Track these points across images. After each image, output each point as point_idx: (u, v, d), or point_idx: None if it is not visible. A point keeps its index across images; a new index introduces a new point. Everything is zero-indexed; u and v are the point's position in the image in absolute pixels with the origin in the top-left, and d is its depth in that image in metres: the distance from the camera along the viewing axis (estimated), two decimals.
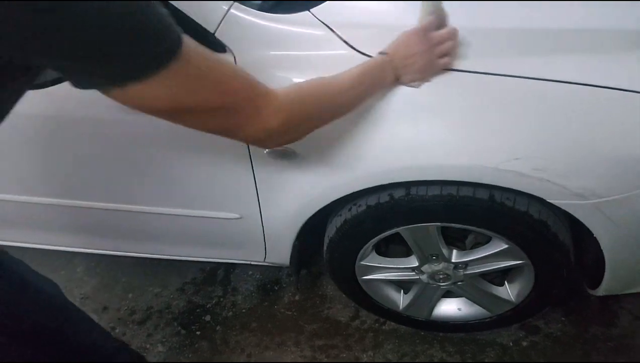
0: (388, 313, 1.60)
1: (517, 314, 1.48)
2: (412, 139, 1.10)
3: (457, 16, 1.07)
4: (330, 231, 1.37)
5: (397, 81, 1.01)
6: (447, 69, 1.04)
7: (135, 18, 0.58)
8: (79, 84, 0.63)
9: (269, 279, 1.83)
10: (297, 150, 1.16)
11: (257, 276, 1.85)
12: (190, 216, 1.40)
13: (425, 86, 1.06)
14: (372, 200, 1.24)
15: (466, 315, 1.54)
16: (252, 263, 1.57)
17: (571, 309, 1.63)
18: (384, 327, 1.65)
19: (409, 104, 1.08)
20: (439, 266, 1.39)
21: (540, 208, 1.17)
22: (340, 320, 1.69)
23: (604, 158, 1.04)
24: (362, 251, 1.38)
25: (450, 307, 1.56)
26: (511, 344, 1.57)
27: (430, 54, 0.98)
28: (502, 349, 1.56)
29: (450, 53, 1.01)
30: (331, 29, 1.09)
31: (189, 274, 1.89)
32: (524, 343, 1.57)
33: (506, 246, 1.26)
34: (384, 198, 1.22)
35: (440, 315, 1.56)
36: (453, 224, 1.25)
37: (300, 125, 0.84)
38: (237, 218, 1.38)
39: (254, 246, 1.48)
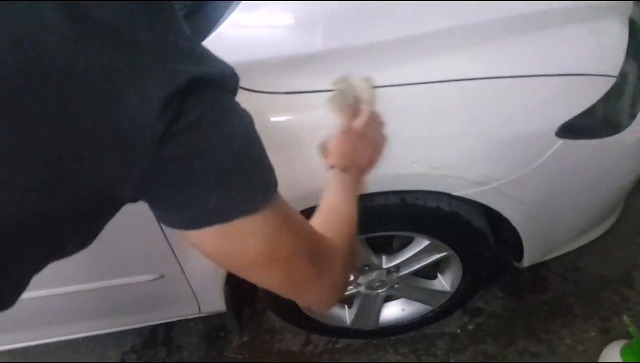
0: (337, 331, 1.59)
1: (456, 301, 1.52)
2: (320, 163, 1.09)
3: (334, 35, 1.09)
4: None
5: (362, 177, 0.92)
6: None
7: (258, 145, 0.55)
8: (166, 219, 0.56)
9: (212, 327, 1.76)
10: None
11: (200, 326, 1.77)
12: (113, 285, 1.31)
13: (322, 110, 1.06)
14: None
15: (410, 314, 1.56)
16: (190, 317, 1.50)
17: (506, 284, 1.70)
18: (337, 346, 1.64)
19: (309, 130, 1.08)
20: (373, 275, 1.40)
21: (450, 200, 1.20)
22: (293, 349, 1.65)
23: (494, 143, 1.10)
24: None
25: (394, 310, 1.57)
26: (459, 331, 1.61)
27: (367, 141, 0.91)
28: (452, 337, 1.60)
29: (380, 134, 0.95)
30: None
31: (127, 342, 1.77)
32: (470, 327, 1.61)
33: (428, 242, 1.29)
34: None
35: (387, 319, 1.57)
36: (375, 234, 1.26)
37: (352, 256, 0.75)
38: (159, 278, 1.31)
39: (185, 301, 1.41)
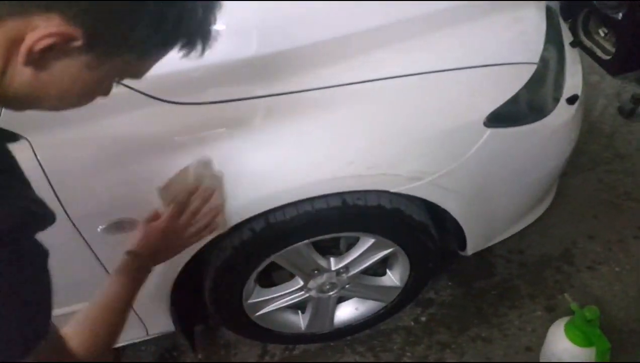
0: (293, 338, 1.55)
1: (407, 295, 1.51)
2: (258, 171, 1.05)
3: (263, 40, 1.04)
4: (208, 283, 1.27)
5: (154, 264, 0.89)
6: None
7: None
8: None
9: (164, 348, 1.67)
10: (133, 216, 1.05)
11: (152, 349, 1.68)
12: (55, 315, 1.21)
13: (255, 118, 1.02)
14: (235, 240, 1.17)
15: (364, 312, 1.53)
16: (139, 340, 1.42)
17: (454, 272, 1.70)
18: (294, 352, 1.59)
19: (245, 140, 1.03)
20: (323, 279, 1.36)
21: (391, 197, 1.18)
22: (250, 362, 1.59)
23: (425, 139, 1.09)
24: (244, 291, 1.31)
25: (347, 310, 1.54)
26: (412, 323, 1.60)
27: (178, 234, 0.89)
28: (406, 331, 1.59)
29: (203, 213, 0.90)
30: (129, 87, 0.99)
31: None
32: (423, 319, 1.61)
33: (373, 240, 1.27)
34: (247, 234, 1.16)
35: (342, 320, 1.54)
36: (320, 237, 1.22)
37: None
38: None
39: (130, 325, 1.31)
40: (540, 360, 1.43)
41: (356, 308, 1.54)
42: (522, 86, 1.13)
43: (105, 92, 0.56)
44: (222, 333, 1.68)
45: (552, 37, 1.27)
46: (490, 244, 1.47)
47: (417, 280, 1.45)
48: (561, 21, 1.40)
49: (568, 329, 1.27)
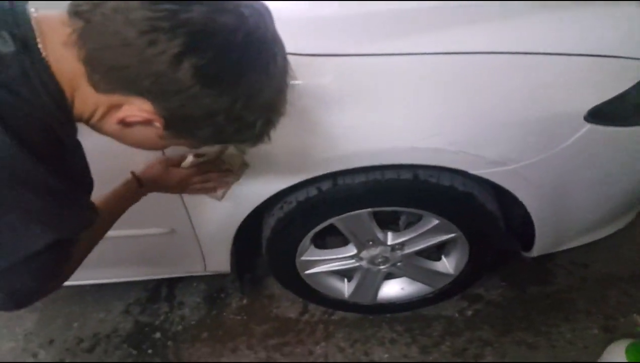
0: (335, 303, 1.52)
1: (457, 285, 1.43)
2: (331, 131, 1.01)
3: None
4: (266, 232, 1.26)
5: (146, 191, 1.01)
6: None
7: None
8: None
9: (214, 288, 1.70)
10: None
11: (202, 286, 1.72)
12: (123, 236, 1.25)
13: (335, 76, 0.97)
14: (301, 196, 1.15)
15: (410, 294, 1.48)
16: (194, 274, 1.45)
17: (509, 273, 1.60)
18: (333, 317, 1.57)
19: (321, 97, 0.99)
20: (376, 251, 1.32)
21: (465, 180, 1.11)
22: (290, 316, 1.59)
23: (514, 123, 1.00)
24: (300, 247, 1.29)
25: (393, 288, 1.49)
26: (456, 315, 1.53)
27: (178, 182, 1.02)
28: (448, 321, 1.52)
29: (212, 180, 1.04)
30: None
31: (131, 295, 1.73)
32: (468, 313, 1.53)
33: (437, 221, 1.20)
34: (312, 191, 1.13)
35: (385, 297, 1.50)
36: (383, 208, 1.18)
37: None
38: (169, 232, 1.25)
39: (192, 258, 1.35)
40: None
41: (402, 288, 1.49)
42: (634, 84, 1.01)
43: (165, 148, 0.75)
44: (268, 284, 1.68)
45: None
46: (557, 249, 1.36)
47: (471, 272, 1.37)
48: None
49: (630, 352, 1.15)
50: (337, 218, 1.19)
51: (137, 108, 0.59)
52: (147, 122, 0.61)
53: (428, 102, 0.98)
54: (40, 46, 0.56)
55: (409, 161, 1.04)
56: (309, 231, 1.23)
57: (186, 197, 1.14)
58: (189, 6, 0.54)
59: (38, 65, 0.56)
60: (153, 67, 0.55)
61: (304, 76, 0.98)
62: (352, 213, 1.17)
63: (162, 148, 0.70)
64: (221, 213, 1.18)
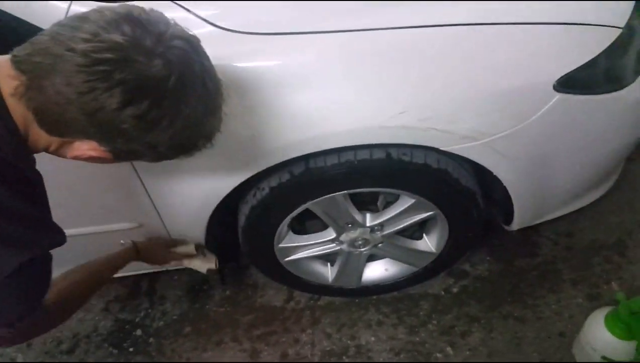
0: (320, 288, 1.56)
1: (441, 263, 1.47)
2: (299, 113, 1.02)
3: None
4: (241, 221, 1.28)
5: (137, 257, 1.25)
6: None
7: None
8: None
9: (196, 280, 1.73)
10: None
11: (184, 279, 1.74)
12: (92, 232, 1.27)
13: (301, 56, 0.99)
14: (273, 181, 1.17)
15: (394, 274, 1.52)
16: (171, 268, 1.47)
17: (494, 247, 1.65)
18: (319, 303, 1.61)
19: (288, 79, 1.00)
20: (356, 233, 1.35)
21: (439, 157, 1.14)
22: (275, 305, 1.63)
23: (486, 95, 1.02)
24: (277, 234, 1.31)
25: (377, 269, 1.53)
26: (443, 293, 1.58)
27: (162, 262, 1.34)
28: (435, 299, 1.56)
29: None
30: (185, 8, 0.98)
31: (111, 292, 1.75)
32: (455, 290, 1.58)
33: (414, 200, 1.23)
34: (285, 176, 1.15)
35: (370, 279, 1.54)
36: (358, 190, 1.20)
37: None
38: (138, 227, 1.27)
39: None
40: (573, 348, 1.38)
41: (386, 269, 1.53)
42: (602, 51, 1.03)
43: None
44: (251, 273, 1.72)
45: None
46: (539, 221, 1.40)
47: (453, 249, 1.41)
48: None
49: (609, 319, 1.20)
50: (312, 202, 1.21)
51: (86, 147, 0.71)
52: (97, 157, 0.73)
53: (395, 79, 1.00)
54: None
55: (380, 140, 1.06)
56: (284, 217, 1.26)
57: (152, 190, 1.15)
58: (122, 66, 0.63)
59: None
60: (96, 119, 0.65)
61: (270, 56, 1.00)
62: (327, 196, 1.20)
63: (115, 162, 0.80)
64: (190, 206, 1.20)
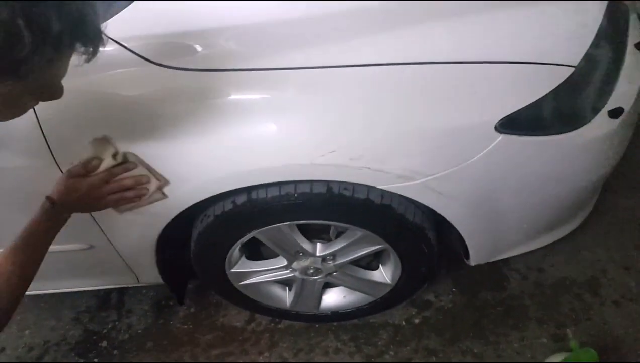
0: (278, 312, 1.56)
1: (399, 294, 1.45)
2: (240, 146, 1.02)
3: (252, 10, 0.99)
4: (192, 246, 1.29)
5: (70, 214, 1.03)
6: None
7: None
8: None
9: (163, 295, 1.75)
10: None
11: (152, 293, 1.77)
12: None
13: (240, 90, 0.99)
14: (218, 209, 1.17)
15: (352, 302, 1.50)
16: (130, 286, 1.49)
17: (461, 278, 1.61)
18: (279, 326, 1.61)
19: (232, 113, 1.00)
20: (307, 262, 1.34)
21: (383, 192, 1.11)
22: (236, 325, 1.63)
23: (419, 137, 0.99)
24: (226, 260, 1.31)
25: (336, 296, 1.51)
26: (403, 323, 1.55)
27: (95, 196, 1.03)
28: (395, 329, 1.54)
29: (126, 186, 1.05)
30: (122, 45, 0.98)
31: (82, 302, 1.79)
32: (416, 321, 1.55)
33: (361, 233, 1.21)
34: (228, 205, 1.15)
35: (329, 305, 1.52)
36: (302, 222, 1.19)
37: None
38: (89, 248, 1.29)
39: (122, 271, 1.39)
40: None
41: (344, 297, 1.51)
42: (550, 91, 0.99)
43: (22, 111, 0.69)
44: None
45: (612, 37, 1.10)
46: (500, 257, 1.36)
47: (409, 281, 1.38)
48: (633, 19, 1.20)
49: None
50: (257, 231, 1.21)
51: None
52: None
53: (327, 118, 0.99)
54: None
55: (315, 177, 1.05)
56: (231, 244, 1.26)
57: (96, 213, 1.17)
58: None
59: None
60: None
61: (217, 93, 1.00)
62: (272, 226, 1.20)
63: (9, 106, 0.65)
64: (137, 228, 1.21)
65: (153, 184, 1.07)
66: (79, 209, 1.04)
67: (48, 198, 0.98)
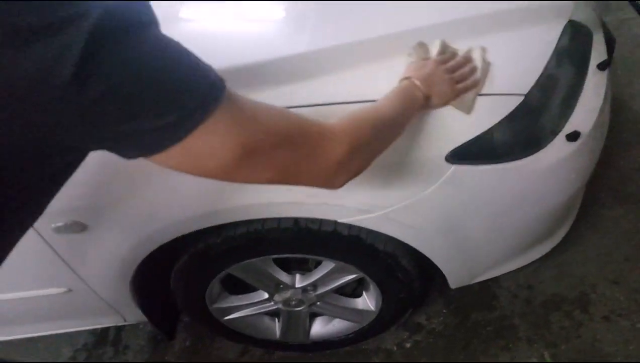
0: (268, 343, 1.62)
1: (384, 320, 1.50)
2: (203, 188, 1.08)
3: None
4: (171, 284, 1.37)
5: (427, 103, 0.97)
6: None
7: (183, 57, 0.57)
8: (127, 152, 0.59)
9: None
10: (86, 222, 1.15)
11: (148, 328, 1.85)
12: (28, 297, 1.40)
13: None
14: (191, 248, 1.25)
15: (341, 330, 1.55)
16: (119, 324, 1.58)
17: (453, 298, 1.65)
18: (273, 358, 1.67)
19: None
20: (288, 294, 1.40)
21: (349, 224, 1.18)
22: (230, 358, 1.70)
23: (371, 172, 1.04)
24: (206, 296, 1.39)
25: (324, 325, 1.57)
26: (395, 348, 1.59)
27: (447, 79, 0.99)
28: (387, 354, 1.58)
29: (467, 78, 1.02)
30: None
31: (80, 340, 1.89)
32: (407, 345, 1.59)
33: (334, 264, 1.27)
34: (201, 244, 1.23)
35: (319, 334, 1.58)
36: (274, 256, 1.26)
37: (362, 152, 0.80)
38: (68, 291, 1.37)
39: (106, 312, 1.47)
40: None
41: (333, 325, 1.57)
42: (499, 120, 1.04)
43: None
44: None
45: (572, 58, 1.14)
46: (478, 280, 1.40)
47: (392, 307, 1.43)
48: (598, 39, 1.23)
49: None
50: (232, 267, 1.29)
51: None
52: None
53: None
54: None
55: (278, 214, 1.12)
56: (209, 281, 1.33)
57: (69, 258, 1.23)
58: None
59: None
60: None
61: None
62: (245, 262, 1.27)
63: None
64: (110, 270, 1.28)
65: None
66: (435, 87, 0.97)
67: (406, 78, 0.96)
